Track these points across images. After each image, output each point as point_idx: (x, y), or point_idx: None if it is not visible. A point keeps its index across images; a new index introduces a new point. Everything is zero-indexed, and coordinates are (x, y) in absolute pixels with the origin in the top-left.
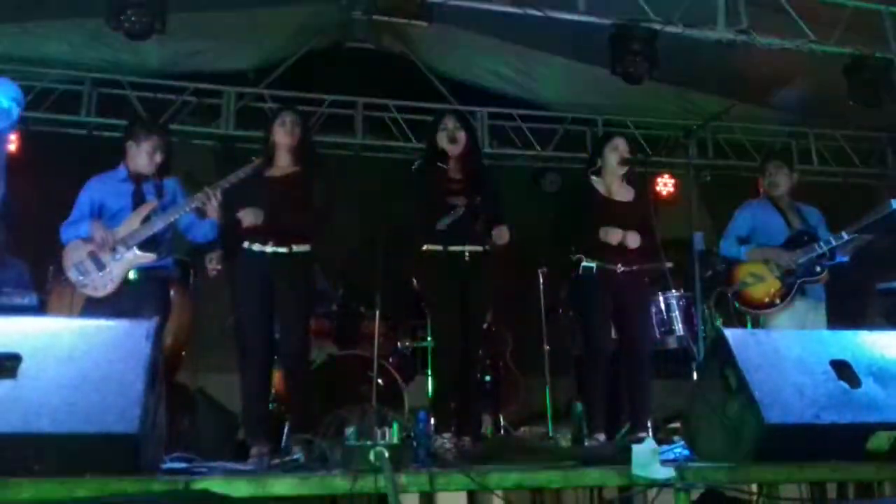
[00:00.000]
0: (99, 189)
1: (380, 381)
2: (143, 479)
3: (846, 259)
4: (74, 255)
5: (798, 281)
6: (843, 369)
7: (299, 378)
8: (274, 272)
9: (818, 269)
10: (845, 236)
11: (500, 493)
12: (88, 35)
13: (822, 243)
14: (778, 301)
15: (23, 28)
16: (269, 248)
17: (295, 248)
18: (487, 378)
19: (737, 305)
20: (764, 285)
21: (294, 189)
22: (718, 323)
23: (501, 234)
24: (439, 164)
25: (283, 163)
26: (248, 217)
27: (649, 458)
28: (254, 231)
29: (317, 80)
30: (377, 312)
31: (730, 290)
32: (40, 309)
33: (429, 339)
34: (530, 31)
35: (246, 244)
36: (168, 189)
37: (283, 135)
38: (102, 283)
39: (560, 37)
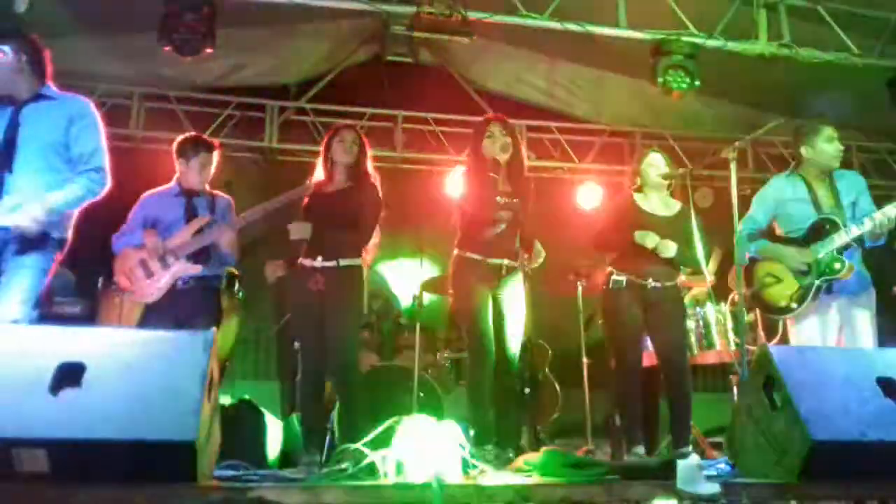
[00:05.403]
0: (152, 204)
1: (420, 392)
2: (201, 487)
3: (880, 243)
4: (125, 262)
5: (817, 281)
6: (889, 387)
7: (347, 389)
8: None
9: (837, 266)
10: (867, 224)
11: None
12: (136, 51)
13: (842, 232)
14: (794, 305)
15: (74, 44)
16: (318, 263)
17: (342, 262)
18: (526, 390)
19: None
20: (781, 286)
21: (345, 204)
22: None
23: (537, 255)
24: (491, 174)
25: (339, 179)
26: (297, 231)
27: (694, 474)
28: (306, 246)
29: (357, 94)
30: (417, 324)
31: (749, 291)
32: (90, 317)
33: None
34: (570, 44)
35: (300, 259)
36: (220, 205)
37: (341, 152)
38: (150, 291)
39: (599, 50)
